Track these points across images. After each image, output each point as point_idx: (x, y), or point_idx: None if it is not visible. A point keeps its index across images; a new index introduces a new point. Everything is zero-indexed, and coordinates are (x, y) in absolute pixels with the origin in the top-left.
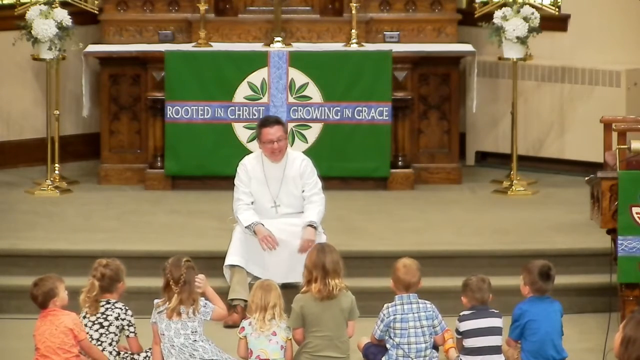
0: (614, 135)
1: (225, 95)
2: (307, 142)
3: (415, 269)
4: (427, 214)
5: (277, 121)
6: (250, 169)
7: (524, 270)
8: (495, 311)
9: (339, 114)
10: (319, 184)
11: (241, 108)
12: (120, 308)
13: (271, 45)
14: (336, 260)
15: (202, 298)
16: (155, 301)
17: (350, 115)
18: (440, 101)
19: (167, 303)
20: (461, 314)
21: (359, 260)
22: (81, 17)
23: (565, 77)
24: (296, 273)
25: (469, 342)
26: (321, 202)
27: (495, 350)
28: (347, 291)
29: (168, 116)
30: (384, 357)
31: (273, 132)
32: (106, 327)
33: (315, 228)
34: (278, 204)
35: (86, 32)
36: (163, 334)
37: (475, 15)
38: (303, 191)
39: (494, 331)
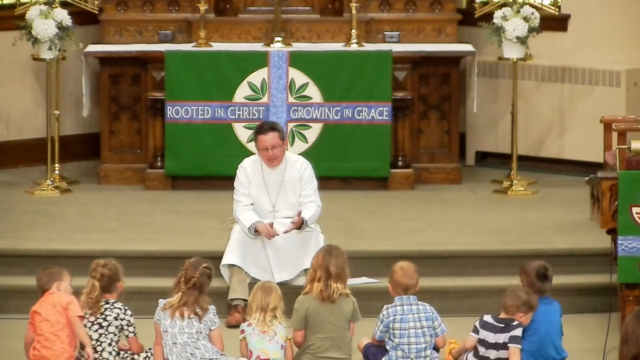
0: (614, 135)
1: (225, 95)
2: (307, 142)
3: (413, 271)
4: (427, 214)
5: (272, 128)
6: (250, 172)
7: (521, 273)
8: (517, 323)
9: (339, 114)
10: (317, 191)
11: (241, 108)
12: (119, 308)
13: (271, 45)
14: (341, 265)
15: (213, 306)
16: (160, 300)
17: (350, 115)
18: (440, 101)
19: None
20: (488, 320)
21: (359, 260)
22: (81, 17)
23: (565, 77)
24: (293, 271)
25: (483, 351)
26: (315, 208)
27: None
28: (347, 296)
29: (168, 116)
30: (384, 358)
31: (268, 139)
32: (105, 327)
33: (303, 223)
34: (277, 209)
35: (86, 32)
36: (166, 331)
37: (475, 15)
38: (300, 195)
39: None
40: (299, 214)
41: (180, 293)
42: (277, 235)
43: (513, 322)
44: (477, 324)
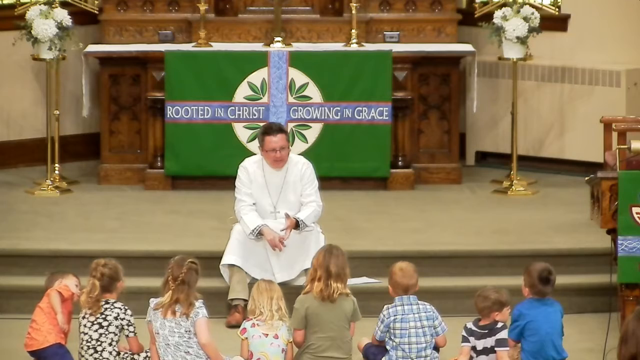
0: (614, 135)
1: (225, 95)
2: (307, 142)
3: (412, 271)
4: (427, 214)
5: (280, 129)
6: (252, 172)
7: (525, 272)
8: (500, 326)
9: (339, 114)
10: (317, 191)
11: (241, 108)
12: (120, 308)
13: (271, 45)
14: (341, 265)
15: (201, 301)
16: (151, 300)
17: (350, 115)
18: (440, 101)
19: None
20: (472, 327)
21: (359, 260)
22: (81, 17)
23: (565, 77)
24: (294, 271)
25: (475, 358)
26: (315, 207)
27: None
28: (348, 296)
29: (168, 116)
30: (384, 358)
31: (276, 140)
32: (105, 327)
33: (299, 224)
34: (277, 210)
35: (86, 32)
36: (158, 333)
37: (475, 15)
38: (301, 195)
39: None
40: (287, 216)
41: (170, 291)
42: (284, 247)
43: (496, 324)
44: (464, 333)
